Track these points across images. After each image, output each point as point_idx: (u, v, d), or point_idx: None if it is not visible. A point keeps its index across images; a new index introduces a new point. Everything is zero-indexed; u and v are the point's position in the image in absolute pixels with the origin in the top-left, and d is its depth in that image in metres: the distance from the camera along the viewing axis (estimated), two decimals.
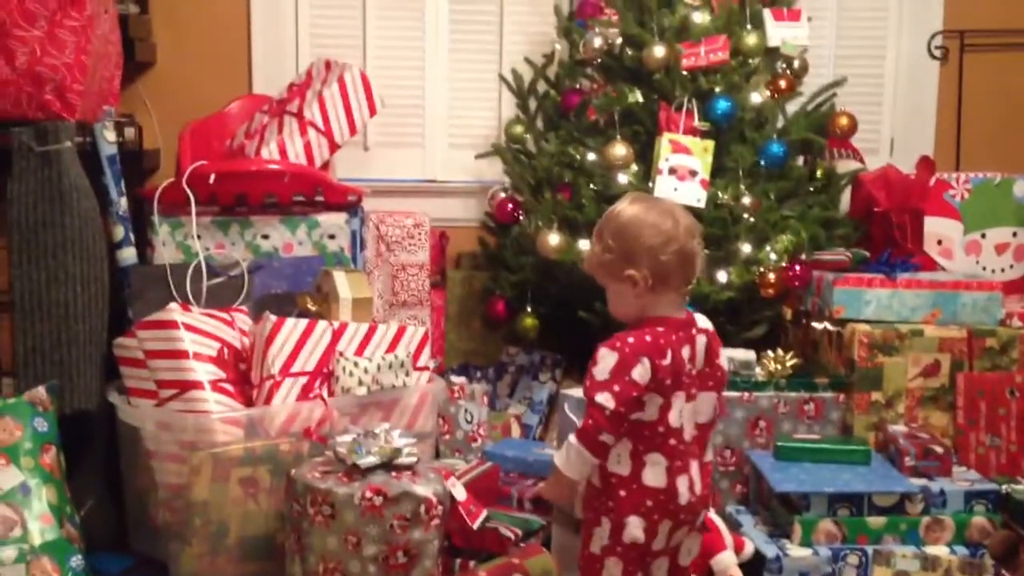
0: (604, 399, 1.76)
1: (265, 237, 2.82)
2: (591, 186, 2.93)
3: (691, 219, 1.88)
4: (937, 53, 3.48)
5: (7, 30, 2.41)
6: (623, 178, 2.87)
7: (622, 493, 1.83)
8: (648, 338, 1.81)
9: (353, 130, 3.01)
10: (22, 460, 2.21)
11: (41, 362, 2.44)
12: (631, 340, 1.80)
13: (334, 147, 2.98)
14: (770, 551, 2.27)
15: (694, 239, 1.86)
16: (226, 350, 2.44)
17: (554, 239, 2.85)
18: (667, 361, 1.81)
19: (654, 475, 1.83)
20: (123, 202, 2.68)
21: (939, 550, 2.30)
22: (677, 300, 1.88)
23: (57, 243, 2.42)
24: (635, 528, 1.83)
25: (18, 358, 2.45)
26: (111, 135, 2.64)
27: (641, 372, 1.78)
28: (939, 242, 3.07)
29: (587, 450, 1.80)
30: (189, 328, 2.36)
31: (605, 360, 1.79)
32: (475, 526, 2.20)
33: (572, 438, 1.82)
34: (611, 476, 1.85)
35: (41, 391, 2.33)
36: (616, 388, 1.77)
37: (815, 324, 2.81)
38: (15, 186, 2.40)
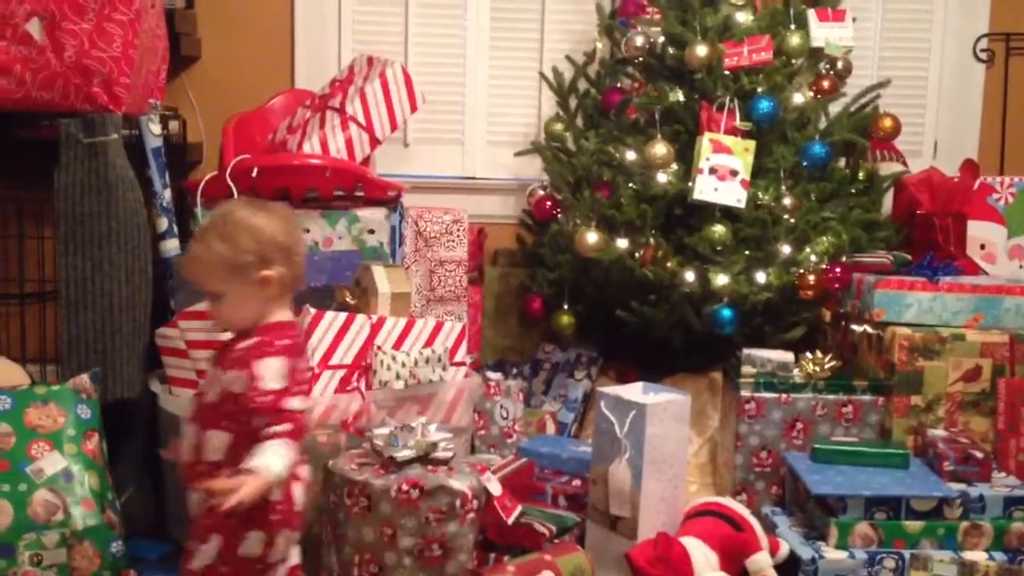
0: (297, 403, 1.72)
1: (306, 231, 2.85)
2: (630, 185, 2.92)
3: None
4: (983, 56, 3.44)
5: (57, 23, 2.45)
6: (663, 177, 2.86)
7: (260, 513, 1.72)
8: (291, 341, 1.77)
9: (394, 126, 3.03)
10: (65, 446, 2.25)
11: (85, 351, 2.48)
12: (287, 343, 1.75)
13: (375, 143, 3.00)
14: (806, 553, 2.26)
15: None
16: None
17: (592, 237, 2.85)
18: (304, 363, 1.81)
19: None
20: (167, 194, 2.72)
21: (977, 556, 2.28)
22: (291, 302, 1.85)
23: (103, 234, 2.45)
24: (285, 540, 1.77)
25: (63, 346, 2.49)
26: (156, 128, 2.68)
27: (302, 373, 1.78)
28: (982, 246, 3.03)
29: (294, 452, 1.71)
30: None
31: (271, 368, 1.71)
32: (510, 521, 2.21)
33: (281, 442, 1.67)
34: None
35: (85, 379, 2.37)
36: (296, 389, 1.74)
37: (855, 326, 2.79)
38: (62, 177, 2.44)
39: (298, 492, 1.78)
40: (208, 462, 1.74)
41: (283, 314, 1.79)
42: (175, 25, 3.01)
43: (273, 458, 1.64)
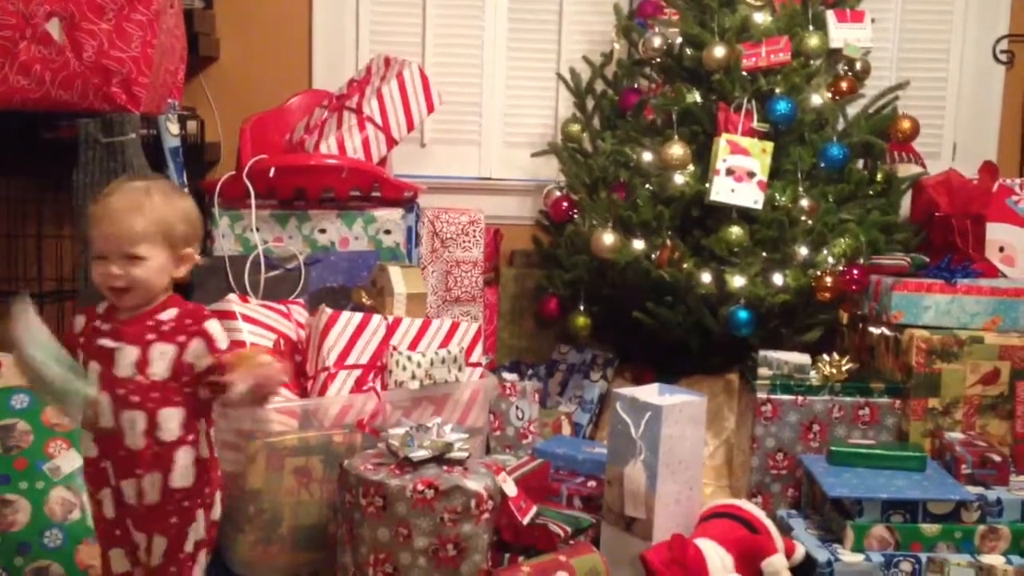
0: None
1: (322, 231, 2.86)
2: (647, 186, 2.92)
3: None
4: (1002, 57, 3.42)
5: (76, 23, 2.46)
6: (679, 178, 2.86)
7: (214, 475, 1.84)
8: None
9: (411, 126, 3.04)
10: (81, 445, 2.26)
11: None
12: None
13: (392, 143, 3.00)
14: (822, 556, 2.25)
15: None
16: (282, 341, 2.47)
17: (608, 238, 2.84)
18: None
19: None
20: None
21: (994, 559, 2.27)
22: None
23: None
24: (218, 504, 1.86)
25: None
26: (174, 128, 2.69)
27: None
28: (1001, 248, 3.01)
29: None
30: (247, 319, 2.40)
31: (218, 329, 1.76)
32: (525, 522, 2.21)
33: None
34: (207, 461, 1.81)
35: None
36: None
37: (872, 329, 2.78)
38: (81, 176, 2.45)
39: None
40: (164, 442, 1.74)
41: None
42: (194, 25, 3.03)
43: None
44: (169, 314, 1.75)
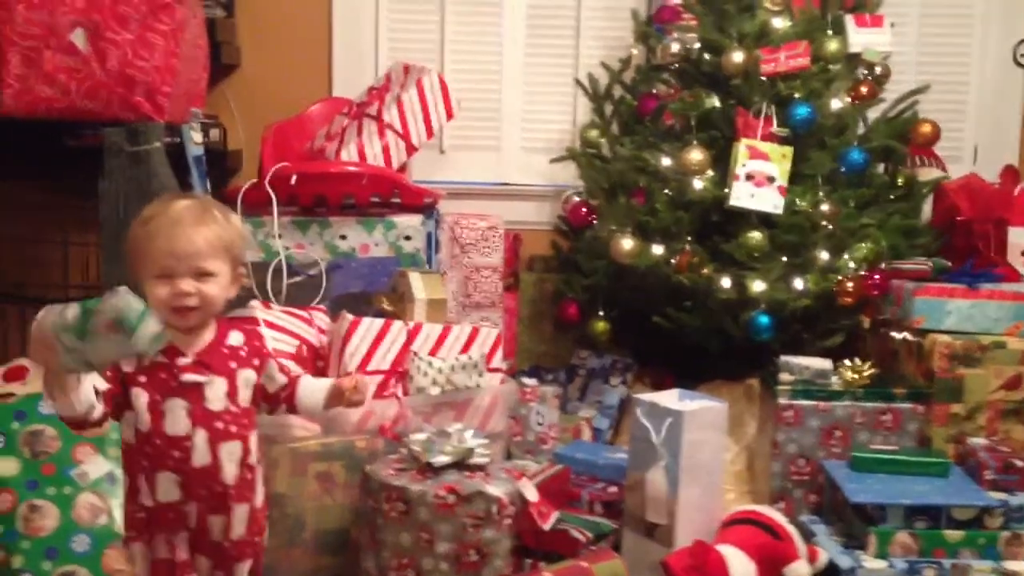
0: None
1: (343, 237, 2.87)
2: (665, 191, 2.92)
3: None
4: (1023, 60, 3.40)
5: (100, 33, 2.48)
6: (698, 183, 2.86)
7: None
8: None
9: (430, 133, 3.05)
10: (108, 450, 2.28)
11: None
12: None
13: (411, 150, 3.02)
14: (845, 562, 2.24)
15: None
16: (304, 347, 2.49)
17: (627, 244, 2.85)
18: None
19: None
20: None
21: (1018, 566, 2.25)
22: None
23: None
24: None
25: None
26: (198, 136, 2.71)
27: None
28: (1023, 253, 3.00)
29: None
30: (270, 325, 2.42)
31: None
32: (546, 527, 2.21)
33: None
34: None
35: None
36: None
37: (894, 334, 2.77)
38: (106, 185, 2.48)
39: None
40: (252, 467, 1.73)
41: None
42: (215, 34, 3.04)
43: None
44: (237, 339, 1.73)
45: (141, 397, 1.64)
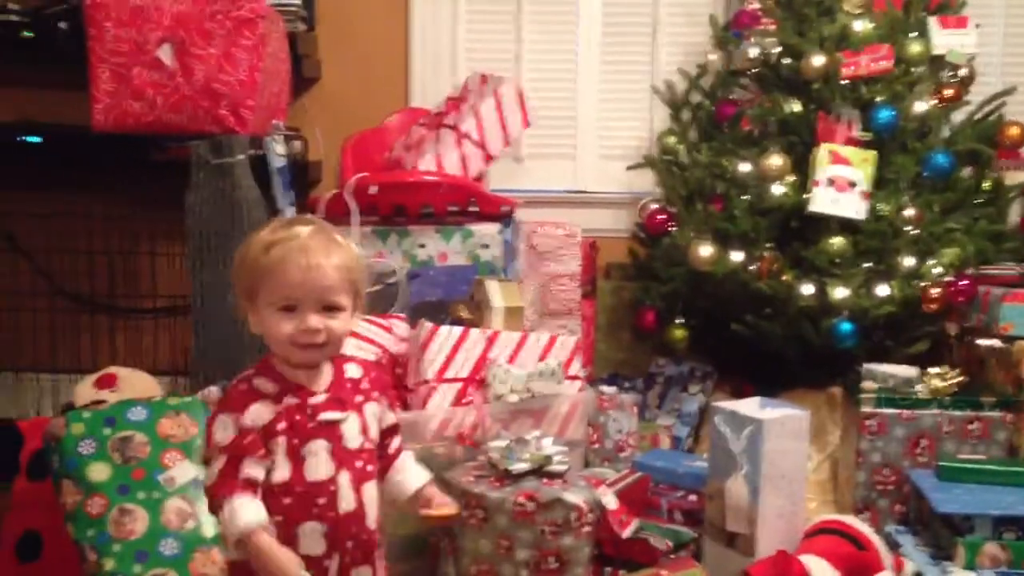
0: None
1: (422, 246, 2.90)
2: (744, 197, 2.89)
3: None
4: None
5: (187, 48, 2.56)
6: (778, 189, 2.83)
7: None
8: None
9: (507, 142, 3.07)
10: (195, 456, 2.33)
11: (213, 364, 2.57)
12: None
13: (488, 159, 3.04)
14: (932, 573, 2.19)
15: None
16: (384, 355, 2.52)
17: (706, 250, 2.83)
18: None
19: None
20: (291, 212, 2.80)
21: None
22: None
23: (230, 251, 2.52)
24: None
25: (193, 359, 2.59)
26: (280, 148, 2.76)
27: None
28: None
29: None
30: (351, 334, 2.45)
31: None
32: (625, 535, 2.21)
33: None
34: None
35: (213, 391, 2.45)
36: None
37: (981, 341, 2.71)
38: (192, 196, 2.55)
39: None
40: (371, 530, 1.56)
41: None
42: (297, 48, 3.10)
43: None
44: (355, 371, 1.59)
45: (280, 445, 1.50)
